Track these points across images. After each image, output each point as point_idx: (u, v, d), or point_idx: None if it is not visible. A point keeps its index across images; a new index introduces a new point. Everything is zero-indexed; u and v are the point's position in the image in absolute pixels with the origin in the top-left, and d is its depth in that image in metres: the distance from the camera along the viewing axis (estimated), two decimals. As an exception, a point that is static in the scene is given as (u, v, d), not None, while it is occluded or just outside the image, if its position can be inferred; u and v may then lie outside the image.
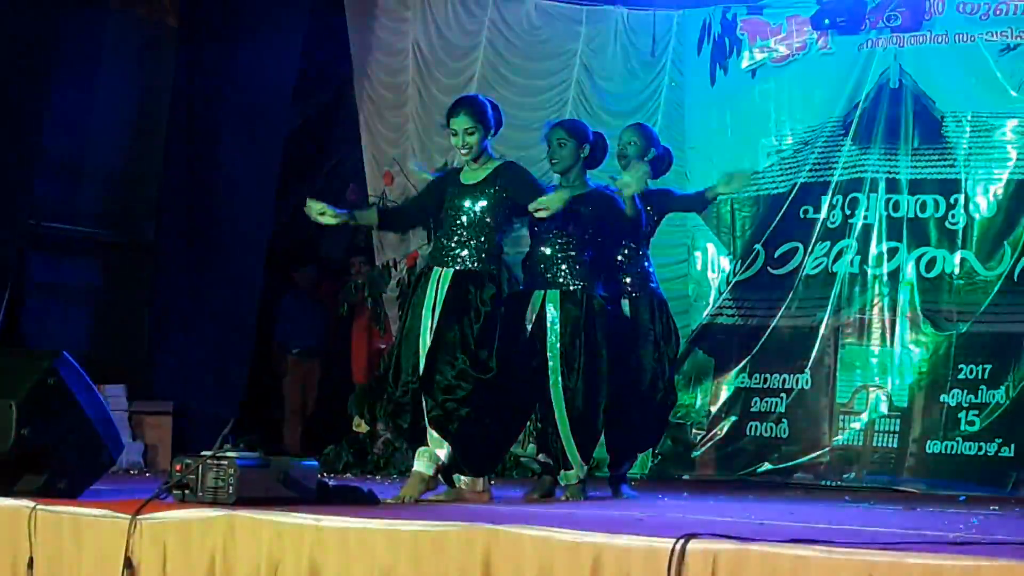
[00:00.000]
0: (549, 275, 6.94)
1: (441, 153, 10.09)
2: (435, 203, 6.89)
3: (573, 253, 6.97)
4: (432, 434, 6.52)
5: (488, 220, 6.68)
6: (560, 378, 6.85)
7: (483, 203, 6.69)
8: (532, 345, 6.85)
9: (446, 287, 6.60)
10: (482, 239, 6.66)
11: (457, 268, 6.63)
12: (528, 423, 7.86)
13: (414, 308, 6.69)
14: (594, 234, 7.04)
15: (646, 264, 7.49)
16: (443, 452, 6.52)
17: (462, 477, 6.68)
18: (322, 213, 6.79)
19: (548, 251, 6.98)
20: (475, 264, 6.63)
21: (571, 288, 6.93)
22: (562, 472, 6.95)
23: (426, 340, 6.54)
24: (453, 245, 6.67)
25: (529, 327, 6.88)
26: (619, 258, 7.41)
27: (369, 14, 10.94)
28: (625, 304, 7.38)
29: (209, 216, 10.71)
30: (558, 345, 6.86)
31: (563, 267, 6.95)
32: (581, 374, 6.84)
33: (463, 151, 6.72)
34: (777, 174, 9.58)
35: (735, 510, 6.20)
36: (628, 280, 7.41)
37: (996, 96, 8.88)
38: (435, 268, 6.69)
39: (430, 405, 6.52)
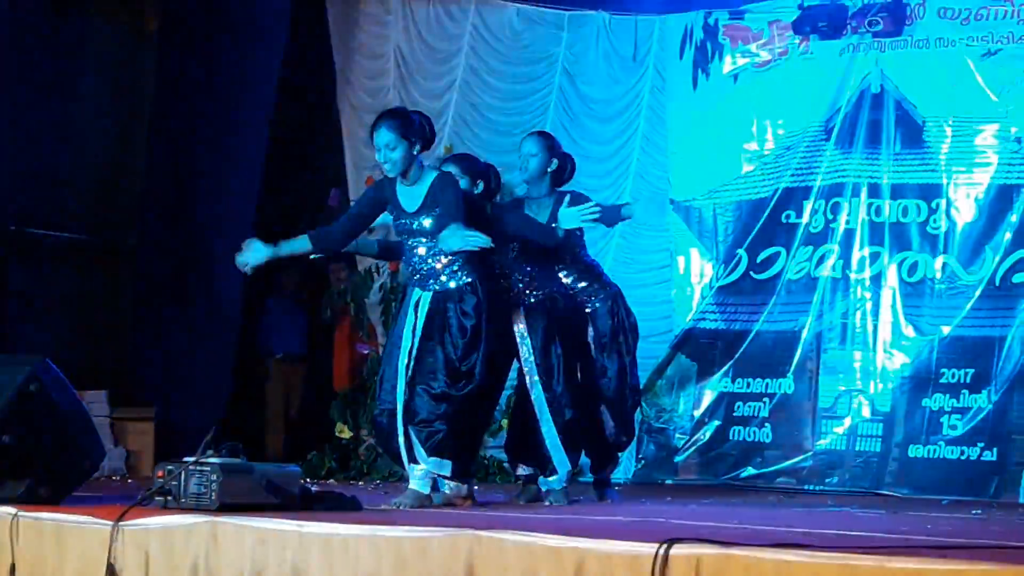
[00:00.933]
0: (509, 294, 6.92)
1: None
2: (373, 213, 6.67)
3: (518, 267, 6.96)
4: (422, 453, 6.44)
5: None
6: (542, 389, 6.86)
7: (429, 221, 6.43)
8: (504, 357, 6.83)
9: (425, 310, 6.50)
10: (447, 258, 6.47)
11: (435, 291, 6.51)
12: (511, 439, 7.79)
13: (395, 328, 6.64)
14: (521, 246, 6.99)
15: (588, 260, 7.45)
16: (437, 468, 6.46)
17: (447, 483, 6.66)
18: (245, 264, 6.66)
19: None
20: (451, 283, 6.49)
21: (532, 300, 6.95)
22: (542, 478, 6.96)
23: (407, 365, 6.47)
24: (424, 274, 6.53)
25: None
26: (559, 268, 7.29)
27: (351, 19, 10.93)
28: (584, 304, 7.36)
29: (191, 221, 10.67)
30: (533, 358, 6.88)
31: (517, 283, 6.95)
32: (563, 380, 6.85)
33: (386, 166, 6.43)
34: (759, 179, 9.58)
35: (718, 515, 6.20)
36: (580, 285, 7.37)
37: (977, 100, 8.88)
38: (415, 289, 6.58)
39: (415, 430, 6.44)
